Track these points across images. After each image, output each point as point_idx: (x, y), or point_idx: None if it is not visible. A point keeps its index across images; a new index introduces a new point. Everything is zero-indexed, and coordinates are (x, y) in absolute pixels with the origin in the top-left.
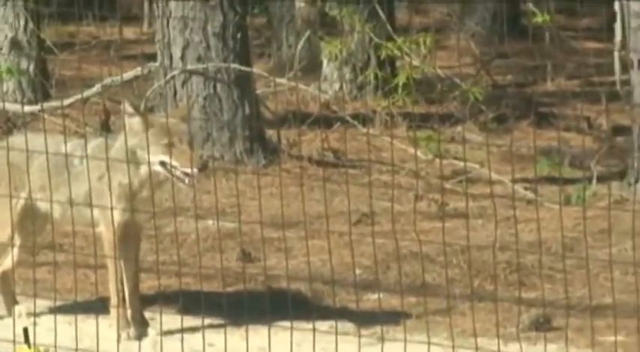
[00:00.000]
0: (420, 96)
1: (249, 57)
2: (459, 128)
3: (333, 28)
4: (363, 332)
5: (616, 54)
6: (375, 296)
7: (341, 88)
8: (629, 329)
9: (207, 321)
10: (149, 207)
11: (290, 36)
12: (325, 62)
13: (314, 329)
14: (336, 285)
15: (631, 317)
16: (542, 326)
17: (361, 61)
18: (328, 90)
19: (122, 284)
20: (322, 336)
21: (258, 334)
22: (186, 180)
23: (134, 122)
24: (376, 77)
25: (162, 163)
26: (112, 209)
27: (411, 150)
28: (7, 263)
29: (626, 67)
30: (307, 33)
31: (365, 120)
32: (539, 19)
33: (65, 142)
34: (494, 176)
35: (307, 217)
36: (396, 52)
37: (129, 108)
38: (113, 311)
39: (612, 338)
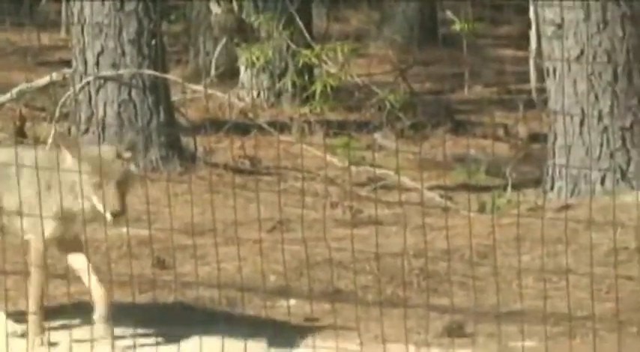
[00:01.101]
0: (337, 103)
1: (165, 63)
2: (376, 135)
3: (251, 35)
4: (274, 339)
5: (531, 62)
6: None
7: (258, 95)
8: (540, 335)
9: (119, 330)
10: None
11: (207, 43)
12: (242, 69)
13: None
14: (249, 292)
15: (541, 324)
16: (455, 332)
17: (279, 69)
18: (245, 97)
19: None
20: (232, 344)
21: (168, 341)
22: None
23: (68, 158)
24: (294, 84)
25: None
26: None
27: (327, 158)
28: None
29: (542, 74)
30: (224, 40)
31: (282, 127)
32: (457, 26)
33: None
34: (409, 183)
35: (222, 225)
36: (314, 60)
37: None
38: (32, 318)
39: (522, 344)
